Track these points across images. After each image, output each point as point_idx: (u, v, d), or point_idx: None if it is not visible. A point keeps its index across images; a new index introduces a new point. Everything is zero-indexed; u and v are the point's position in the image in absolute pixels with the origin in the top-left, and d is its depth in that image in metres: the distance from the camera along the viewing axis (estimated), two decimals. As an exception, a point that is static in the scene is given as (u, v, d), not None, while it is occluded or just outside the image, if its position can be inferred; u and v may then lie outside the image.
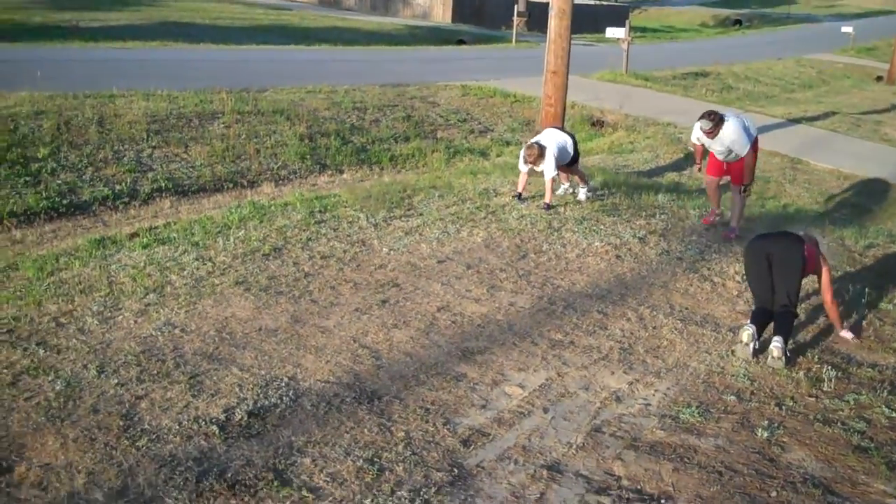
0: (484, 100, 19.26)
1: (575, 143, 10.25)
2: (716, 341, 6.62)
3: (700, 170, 10.37)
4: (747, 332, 6.39)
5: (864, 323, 7.25)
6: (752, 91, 27.66)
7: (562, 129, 11.15)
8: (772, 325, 6.47)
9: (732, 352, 6.42)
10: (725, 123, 9.13)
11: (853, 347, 6.73)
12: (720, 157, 9.59)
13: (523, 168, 10.00)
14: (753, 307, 6.79)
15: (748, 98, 25.48)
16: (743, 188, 9.51)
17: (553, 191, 10.01)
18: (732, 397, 5.69)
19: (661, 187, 12.57)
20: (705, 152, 9.83)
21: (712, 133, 9.15)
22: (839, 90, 31.35)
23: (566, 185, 10.80)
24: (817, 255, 6.75)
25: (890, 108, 26.50)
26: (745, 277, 7.22)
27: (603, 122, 18.45)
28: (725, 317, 7.17)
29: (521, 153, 9.92)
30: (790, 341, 6.46)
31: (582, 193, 10.56)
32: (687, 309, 7.27)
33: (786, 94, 28.41)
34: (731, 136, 9.18)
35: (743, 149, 9.28)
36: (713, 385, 5.88)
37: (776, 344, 6.24)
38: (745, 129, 9.32)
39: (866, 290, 7.76)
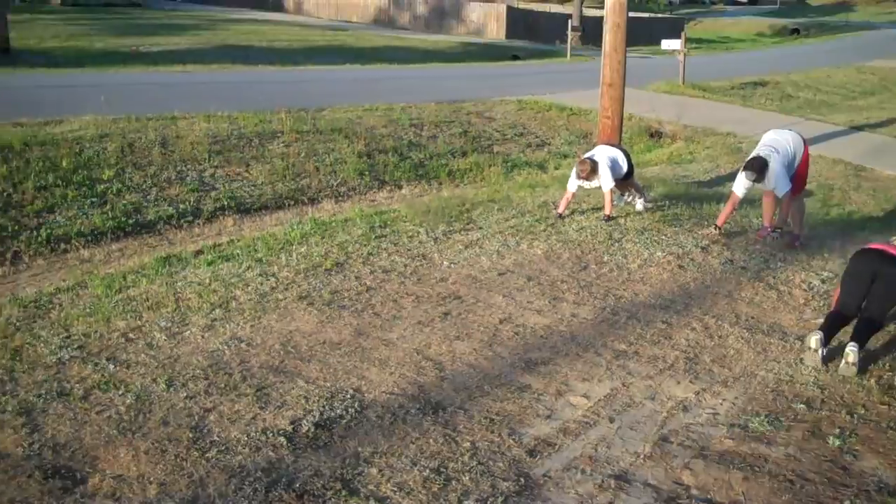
0: (540, 114, 19.24)
1: (628, 158, 10.21)
2: (783, 350, 6.52)
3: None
4: (815, 337, 6.26)
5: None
6: (812, 100, 27.26)
7: (615, 144, 11.13)
8: (841, 332, 6.34)
9: (801, 359, 6.31)
10: (769, 166, 8.96)
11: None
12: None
13: (572, 187, 9.93)
14: (830, 311, 6.66)
15: (808, 106, 25.11)
16: (772, 231, 9.35)
17: (612, 203, 9.95)
18: (802, 406, 5.60)
19: (723, 197, 12.41)
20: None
21: (759, 180, 9.01)
22: (902, 97, 30.73)
23: (624, 197, 10.73)
24: None
25: (956, 114, 25.95)
26: (841, 278, 6.89)
27: (661, 133, 18.31)
28: (793, 325, 7.05)
29: (574, 170, 9.84)
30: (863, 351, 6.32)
31: (640, 204, 10.51)
32: (753, 318, 7.17)
33: (847, 101, 27.93)
34: (773, 176, 8.98)
35: (781, 190, 9.07)
36: (782, 394, 5.79)
37: (852, 348, 6.08)
38: (786, 169, 9.11)
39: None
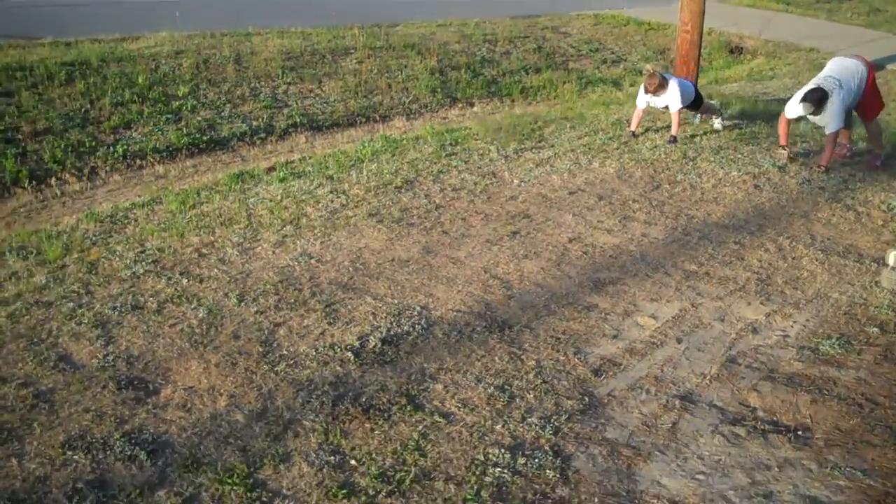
0: (617, 28, 18.82)
1: (697, 91, 9.99)
2: (859, 272, 6.37)
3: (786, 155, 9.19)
4: (894, 253, 6.13)
5: None
6: (903, 13, 26.13)
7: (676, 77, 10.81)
8: None
9: (877, 282, 6.17)
10: (829, 100, 8.56)
11: None
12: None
13: (641, 103, 9.68)
14: None
15: (898, 20, 24.09)
16: (820, 169, 8.80)
17: (679, 124, 9.70)
18: (875, 329, 5.49)
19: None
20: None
21: (816, 113, 8.64)
22: None
23: (698, 116, 10.53)
24: None
25: None
26: None
27: (742, 48, 17.80)
28: (869, 247, 6.88)
29: (642, 85, 9.57)
30: None
31: (718, 123, 10.34)
32: (829, 239, 7.01)
33: (941, 14, 26.72)
34: (828, 115, 8.63)
35: (831, 128, 8.69)
36: (855, 317, 5.68)
37: None
38: (845, 108, 8.71)
39: None
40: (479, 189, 7.96)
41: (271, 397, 4.55)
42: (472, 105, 13.25)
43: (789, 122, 9.05)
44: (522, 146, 9.34)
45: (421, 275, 6.14)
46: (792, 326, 5.52)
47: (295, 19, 15.85)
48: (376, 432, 4.28)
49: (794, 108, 8.75)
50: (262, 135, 10.88)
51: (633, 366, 5.01)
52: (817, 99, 8.50)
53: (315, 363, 4.90)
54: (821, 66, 14.63)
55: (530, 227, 7.08)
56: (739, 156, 9.02)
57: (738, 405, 4.63)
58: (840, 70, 8.84)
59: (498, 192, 7.91)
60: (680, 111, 9.52)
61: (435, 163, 8.71)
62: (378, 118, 12.12)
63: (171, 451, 4.08)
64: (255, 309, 5.53)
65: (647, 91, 9.43)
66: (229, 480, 3.86)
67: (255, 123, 11.11)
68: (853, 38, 18.72)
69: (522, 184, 8.12)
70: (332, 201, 7.59)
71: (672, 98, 9.38)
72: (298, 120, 11.45)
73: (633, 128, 9.82)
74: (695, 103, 9.90)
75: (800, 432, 4.38)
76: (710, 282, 6.16)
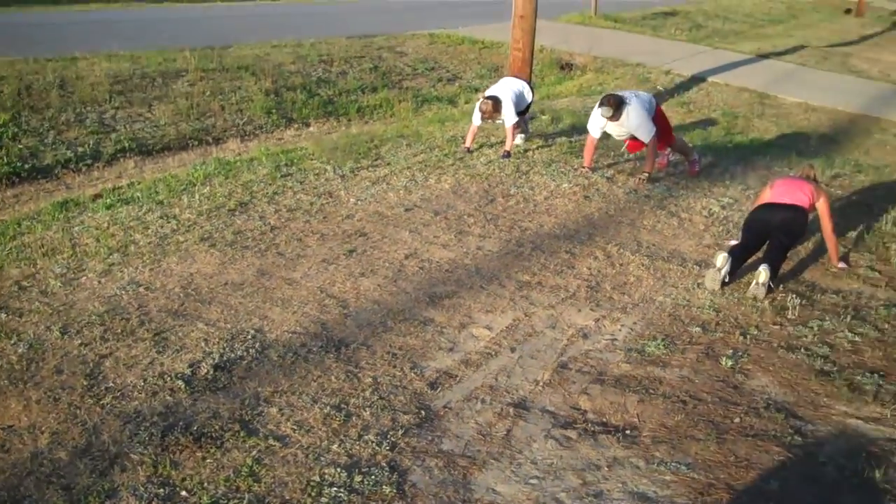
0: (452, 48, 19.08)
1: (533, 90, 10.24)
2: (682, 276, 6.64)
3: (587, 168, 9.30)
4: (722, 255, 6.38)
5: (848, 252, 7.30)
6: (721, 28, 27.52)
7: (517, 76, 11.03)
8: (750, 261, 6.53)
9: (700, 281, 6.45)
10: (628, 107, 8.68)
11: (818, 276, 6.77)
12: (621, 138, 9.29)
13: (476, 121, 9.84)
14: (737, 242, 6.79)
15: (717, 35, 25.35)
16: (642, 177, 8.99)
17: (513, 139, 9.95)
18: (698, 329, 5.73)
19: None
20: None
21: (615, 118, 8.67)
22: (808, 24, 31.33)
23: (525, 132, 10.73)
24: (815, 190, 6.82)
25: (858, 40, 26.52)
26: (742, 225, 7.04)
27: (572, 64, 18.33)
28: (692, 251, 7.18)
29: (477, 106, 9.77)
30: (776, 276, 6.46)
31: (519, 138, 10.50)
32: (654, 245, 7.28)
33: (755, 29, 28.29)
34: (634, 122, 8.70)
35: (646, 135, 8.79)
36: (679, 318, 5.91)
37: (764, 268, 6.24)
38: (648, 113, 8.81)
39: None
40: (315, 209, 7.91)
41: (97, 432, 4.37)
42: (308, 125, 13.16)
43: (594, 140, 9.16)
44: (359, 165, 9.34)
45: (255, 298, 6.04)
46: (620, 330, 5.70)
47: (124, 43, 15.41)
48: (208, 461, 4.17)
49: (596, 123, 8.91)
50: (89, 161, 10.49)
51: (469, 377, 5.07)
52: (616, 102, 8.60)
53: (143, 394, 4.74)
54: (647, 80, 15.28)
55: (367, 245, 7.07)
56: (570, 168, 9.26)
57: (569, 409, 4.74)
58: (629, 91, 9.15)
59: (334, 211, 7.88)
60: (515, 127, 9.72)
61: (270, 184, 8.60)
62: (211, 141, 11.88)
63: (-12, 495, 3.87)
64: (80, 341, 5.31)
65: (483, 118, 9.69)
66: (51, 521, 3.69)
67: (80, 150, 10.70)
68: (677, 53, 19.58)
69: (359, 202, 8.11)
70: (162, 227, 7.39)
71: (507, 116, 9.64)
72: (127, 145, 11.10)
73: (467, 144, 9.97)
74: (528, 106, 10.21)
75: (628, 431, 4.51)
76: (543, 291, 6.29)
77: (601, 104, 8.67)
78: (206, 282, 6.29)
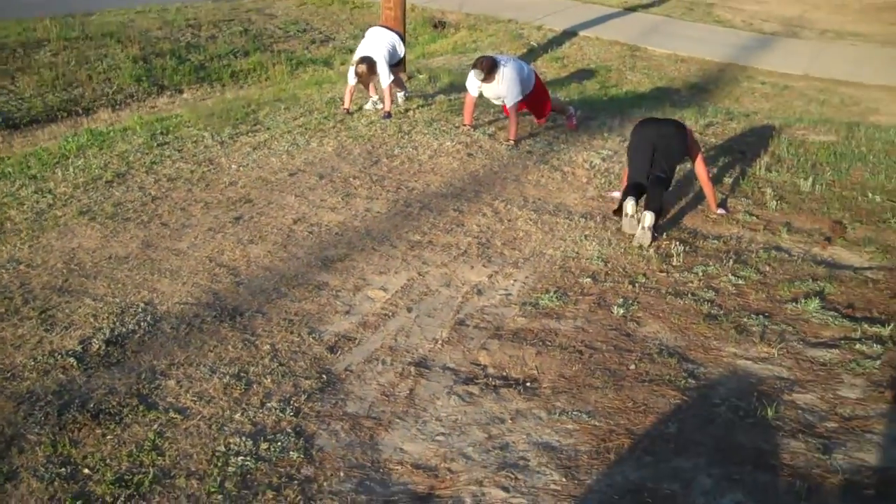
0: (322, 9, 18.83)
1: (403, 40, 10.11)
2: (569, 228, 6.76)
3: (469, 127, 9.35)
4: (630, 203, 6.55)
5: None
6: (588, -17, 27.87)
7: (386, 26, 10.77)
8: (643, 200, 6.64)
9: (619, 229, 6.58)
10: (503, 69, 8.79)
11: (699, 223, 7.00)
12: (498, 102, 9.28)
13: (352, 80, 9.69)
14: (627, 183, 6.89)
15: (585, -10, 25.68)
16: (509, 143, 8.91)
17: (392, 98, 9.85)
18: (588, 280, 5.86)
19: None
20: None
21: (488, 80, 8.77)
22: (672, -23, 31.95)
23: (402, 93, 10.56)
24: (692, 140, 7.05)
25: (720, -8, 27.21)
26: (626, 152, 7.22)
27: (444, 23, 18.33)
28: (577, 204, 7.32)
29: (351, 69, 9.64)
30: (660, 219, 6.66)
31: (400, 97, 10.44)
32: (540, 199, 7.39)
33: (621, -16, 28.76)
34: (504, 84, 8.82)
35: (510, 100, 8.90)
36: (569, 270, 6.03)
37: (647, 214, 6.40)
38: (520, 80, 8.92)
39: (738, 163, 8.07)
40: (197, 177, 7.74)
41: (-12, 416, 4.22)
42: (181, 92, 12.84)
43: (473, 98, 9.16)
44: (237, 131, 9.16)
45: (142, 270, 5.89)
46: (513, 285, 5.79)
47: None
48: (108, 437, 4.08)
49: (472, 83, 8.95)
50: (-49, 137, 10.04)
51: (368, 339, 5.07)
52: (488, 65, 8.68)
53: (35, 373, 4.59)
54: (520, 36, 15.41)
55: (253, 212, 6.97)
56: (451, 126, 9.29)
57: (469, 365, 4.80)
58: (510, 56, 9.30)
59: (216, 178, 7.73)
60: (390, 86, 9.67)
61: (146, 154, 8.36)
62: (81, 111, 11.48)
63: None
64: (-40, 324, 5.10)
65: (360, 81, 9.59)
66: (-54, 511, 3.55)
67: (-60, 126, 10.23)
68: (547, 8, 19.74)
69: (241, 168, 7.97)
70: (38, 202, 7.11)
71: (382, 77, 9.53)
72: (-9, 119, 10.65)
73: (345, 105, 9.87)
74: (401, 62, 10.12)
75: (528, 384, 4.61)
76: (435, 250, 6.33)
77: (475, 66, 8.78)
78: (90, 256, 6.10)
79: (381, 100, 9.87)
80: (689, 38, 17.40)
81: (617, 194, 7.22)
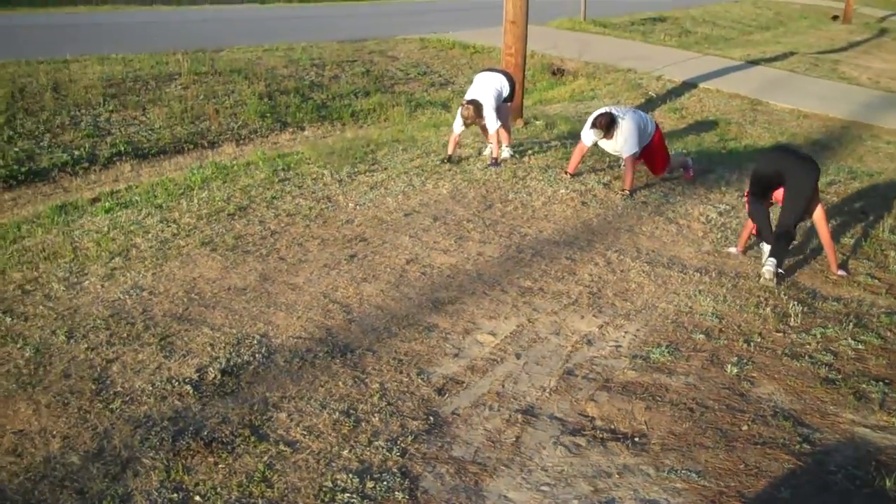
0: (443, 52, 19.12)
1: (510, 80, 9.94)
2: (683, 282, 6.67)
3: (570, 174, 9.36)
4: (768, 261, 6.69)
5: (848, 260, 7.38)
6: (710, 34, 27.66)
7: (493, 69, 10.68)
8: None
9: (700, 291, 6.49)
10: (621, 123, 8.69)
11: (819, 283, 6.82)
12: (616, 153, 9.14)
13: (457, 129, 9.66)
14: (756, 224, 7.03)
15: (706, 41, 25.49)
16: (624, 194, 8.86)
17: (502, 141, 9.82)
18: (701, 336, 5.76)
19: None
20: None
21: (607, 136, 8.72)
22: (796, 30, 31.49)
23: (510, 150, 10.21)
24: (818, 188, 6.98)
25: (847, 47, 26.67)
26: (750, 176, 7.17)
27: (563, 70, 18.39)
28: (692, 258, 7.22)
29: (458, 112, 9.54)
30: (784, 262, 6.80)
31: (506, 151, 10.07)
32: (654, 251, 7.32)
33: (744, 36, 28.45)
34: (621, 138, 8.72)
35: (627, 151, 8.79)
36: (682, 325, 5.95)
37: (769, 262, 6.60)
38: (638, 133, 8.77)
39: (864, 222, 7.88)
40: (315, 214, 7.92)
41: (108, 436, 4.38)
42: (302, 129, 13.17)
43: (585, 149, 9.11)
44: (356, 169, 9.36)
45: (259, 302, 6.05)
46: (624, 336, 5.73)
47: (115, 46, 15.39)
48: (220, 466, 4.18)
49: (588, 135, 8.86)
50: (85, 164, 10.50)
51: (476, 383, 5.09)
52: (606, 123, 8.61)
53: (152, 398, 4.74)
54: (638, 86, 15.35)
55: (367, 251, 7.09)
56: (566, 174, 9.29)
57: (577, 415, 4.76)
58: (629, 108, 9.13)
59: (333, 216, 7.89)
60: (499, 131, 9.65)
61: (268, 188, 8.61)
62: (207, 144, 11.89)
63: (3, 499, 3.87)
64: (86, 345, 5.31)
65: (465, 123, 9.51)
66: (66, 526, 3.69)
67: (76, 153, 10.70)
68: (667, 59, 19.66)
69: (358, 207, 8.13)
70: (163, 231, 7.39)
71: (489, 120, 9.48)
72: (123, 148, 11.10)
73: (450, 151, 9.90)
74: (511, 94, 9.94)
75: (636, 438, 4.54)
76: (545, 297, 6.32)
77: (593, 124, 8.70)
78: (209, 286, 6.30)
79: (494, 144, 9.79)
80: (812, 94, 17.06)
81: (733, 250, 7.27)
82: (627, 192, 8.83)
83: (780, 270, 6.65)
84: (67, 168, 10.32)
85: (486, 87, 9.64)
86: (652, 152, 9.18)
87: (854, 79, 19.61)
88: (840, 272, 6.99)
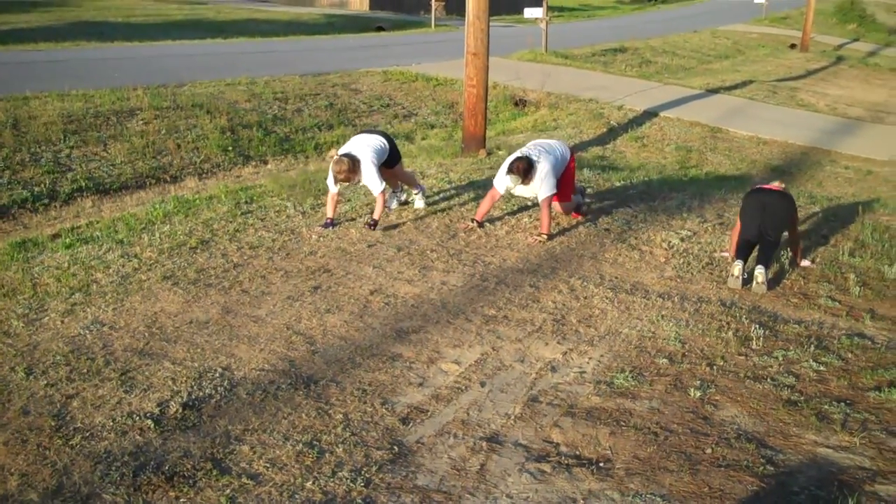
0: (406, 84, 19.23)
1: (391, 142, 8.90)
2: (646, 307, 6.71)
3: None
4: (738, 266, 7.26)
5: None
6: (669, 64, 28.06)
7: (371, 130, 10.07)
8: (754, 256, 7.43)
9: (662, 316, 6.53)
10: (537, 166, 8.16)
11: (780, 306, 6.89)
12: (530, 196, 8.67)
13: (333, 188, 8.46)
14: (738, 244, 7.49)
15: (667, 71, 25.84)
16: (542, 238, 8.30)
17: (385, 205, 8.66)
18: (664, 360, 5.79)
19: (585, 162, 12.71)
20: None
21: (526, 182, 8.17)
22: (755, 59, 32.02)
23: (396, 194, 9.40)
24: (795, 209, 7.77)
25: (804, 75, 27.14)
26: (739, 215, 7.77)
27: (525, 101, 18.56)
28: (654, 283, 7.27)
29: (330, 170, 8.33)
30: (770, 270, 7.35)
31: (419, 201, 9.37)
32: (617, 278, 7.36)
33: (703, 65, 28.89)
34: (537, 181, 8.18)
35: (543, 193, 8.24)
36: (645, 350, 5.97)
37: (760, 270, 7.20)
38: (555, 171, 8.29)
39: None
40: (278, 246, 7.89)
41: (67, 472, 4.31)
42: (265, 163, 13.17)
43: (497, 196, 8.57)
44: (319, 202, 9.35)
45: (221, 335, 6.00)
46: (588, 363, 5.75)
47: (75, 82, 15.32)
48: (181, 500, 4.12)
49: (503, 181, 8.32)
50: (46, 201, 10.42)
51: (440, 412, 5.07)
52: (524, 168, 8.11)
53: (113, 434, 4.68)
54: (600, 115, 15.51)
55: (331, 282, 7.07)
56: (528, 203, 9.33)
57: (542, 442, 4.76)
58: (542, 143, 8.66)
59: (297, 248, 7.87)
60: (383, 192, 8.46)
61: (230, 222, 8.57)
62: (169, 179, 11.85)
63: (-44, 541, 3.79)
64: (45, 382, 5.23)
65: (337, 181, 8.35)
66: (23, 566, 3.62)
67: (37, 189, 10.62)
68: (628, 89, 19.90)
69: (321, 239, 8.12)
70: (124, 266, 7.33)
71: (369, 179, 8.33)
72: (84, 184, 11.03)
73: (329, 214, 8.64)
74: (394, 158, 8.89)
75: (601, 464, 4.54)
76: (509, 325, 6.33)
77: (510, 170, 8.15)
78: (171, 320, 6.24)
79: (408, 193, 9.26)
80: (771, 120, 17.33)
81: (726, 254, 7.87)
82: (545, 237, 8.32)
83: (768, 278, 7.26)
84: (28, 205, 10.24)
85: (363, 144, 8.56)
86: (566, 179, 8.67)
87: (812, 105, 19.94)
88: (805, 262, 7.84)
